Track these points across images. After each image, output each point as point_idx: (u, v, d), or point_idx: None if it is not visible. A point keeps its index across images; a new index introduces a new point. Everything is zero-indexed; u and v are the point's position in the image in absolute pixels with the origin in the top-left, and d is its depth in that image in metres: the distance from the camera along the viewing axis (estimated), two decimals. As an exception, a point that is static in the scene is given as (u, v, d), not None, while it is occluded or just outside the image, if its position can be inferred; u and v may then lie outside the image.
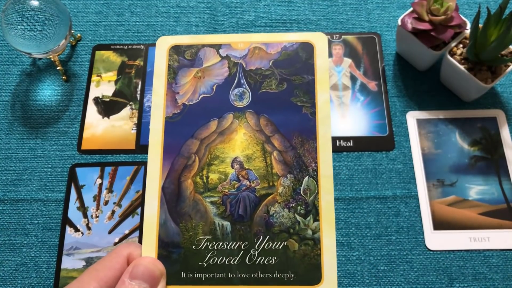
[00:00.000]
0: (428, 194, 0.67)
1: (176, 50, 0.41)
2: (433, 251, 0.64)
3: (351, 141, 0.71)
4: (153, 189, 0.38)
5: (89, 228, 0.66)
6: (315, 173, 0.38)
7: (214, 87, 0.40)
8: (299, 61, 0.40)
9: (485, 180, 0.68)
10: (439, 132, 0.71)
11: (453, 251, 0.64)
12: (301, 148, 0.39)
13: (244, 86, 0.40)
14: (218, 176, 0.38)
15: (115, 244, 0.65)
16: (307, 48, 0.41)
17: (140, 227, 0.66)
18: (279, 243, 0.37)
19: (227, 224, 0.37)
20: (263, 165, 0.38)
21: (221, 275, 0.36)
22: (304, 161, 0.38)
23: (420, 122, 0.72)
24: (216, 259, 0.36)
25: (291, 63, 0.40)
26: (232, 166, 0.39)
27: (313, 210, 0.37)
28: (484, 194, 0.67)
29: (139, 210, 0.67)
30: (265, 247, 0.36)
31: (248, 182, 0.38)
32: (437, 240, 0.64)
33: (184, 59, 0.41)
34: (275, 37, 0.41)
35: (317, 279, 0.36)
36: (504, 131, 0.71)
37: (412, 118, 0.72)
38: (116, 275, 0.34)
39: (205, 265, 0.36)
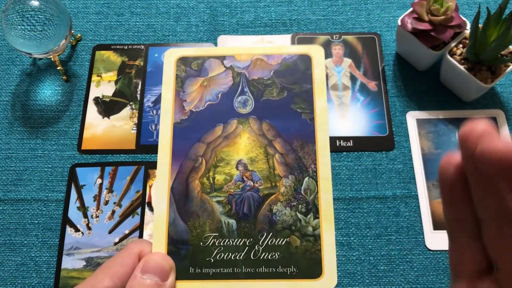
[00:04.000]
0: (428, 194, 0.69)
1: (183, 61, 0.45)
2: (433, 251, 0.65)
3: (351, 141, 0.72)
4: (162, 190, 0.41)
5: (89, 228, 0.68)
6: (315, 174, 0.41)
7: (219, 95, 0.44)
8: (298, 72, 0.44)
9: (484, 180, 0.69)
10: (439, 132, 0.72)
11: (452, 251, 0.66)
12: (301, 151, 0.42)
13: (247, 94, 0.43)
14: (223, 177, 0.42)
15: (115, 244, 0.67)
16: (305, 60, 0.44)
17: (140, 227, 0.68)
18: (282, 239, 0.40)
19: (232, 222, 0.40)
20: (266, 167, 0.42)
21: (228, 270, 0.39)
22: (304, 163, 0.41)
23: (420, 122, 0.73)
24: (222, 255, 0.39)
25: (290, 73, 0.44)
26: (237, 168, 0.42)
27: (313, 209, 0.40)
28: (484, 194, 0.68)
29: (139, 210, 0.69)
30: (269, 243, 0.40)
31: (252, 183, 0.41)
32: (437, 240, 0.66)
33: (191, 69, 0.45)
34: (275, 50, 0.45)
35: (318, 272, 0.39)
36: (504, 131, 0.72)
37: (412, 118, 0.74)
38: (128, 271, 0.36)
39: (212, 260, 0.39)
